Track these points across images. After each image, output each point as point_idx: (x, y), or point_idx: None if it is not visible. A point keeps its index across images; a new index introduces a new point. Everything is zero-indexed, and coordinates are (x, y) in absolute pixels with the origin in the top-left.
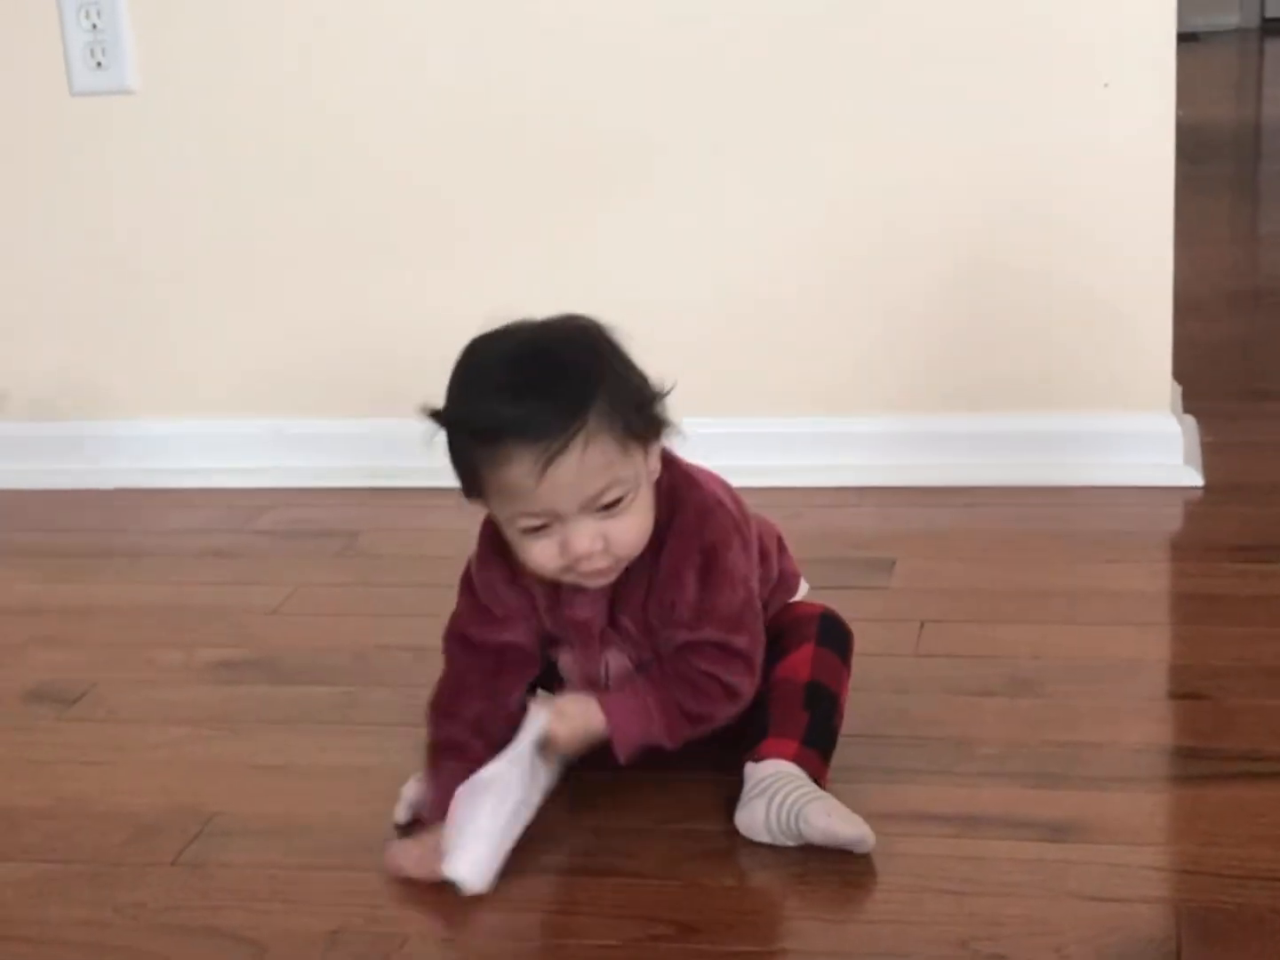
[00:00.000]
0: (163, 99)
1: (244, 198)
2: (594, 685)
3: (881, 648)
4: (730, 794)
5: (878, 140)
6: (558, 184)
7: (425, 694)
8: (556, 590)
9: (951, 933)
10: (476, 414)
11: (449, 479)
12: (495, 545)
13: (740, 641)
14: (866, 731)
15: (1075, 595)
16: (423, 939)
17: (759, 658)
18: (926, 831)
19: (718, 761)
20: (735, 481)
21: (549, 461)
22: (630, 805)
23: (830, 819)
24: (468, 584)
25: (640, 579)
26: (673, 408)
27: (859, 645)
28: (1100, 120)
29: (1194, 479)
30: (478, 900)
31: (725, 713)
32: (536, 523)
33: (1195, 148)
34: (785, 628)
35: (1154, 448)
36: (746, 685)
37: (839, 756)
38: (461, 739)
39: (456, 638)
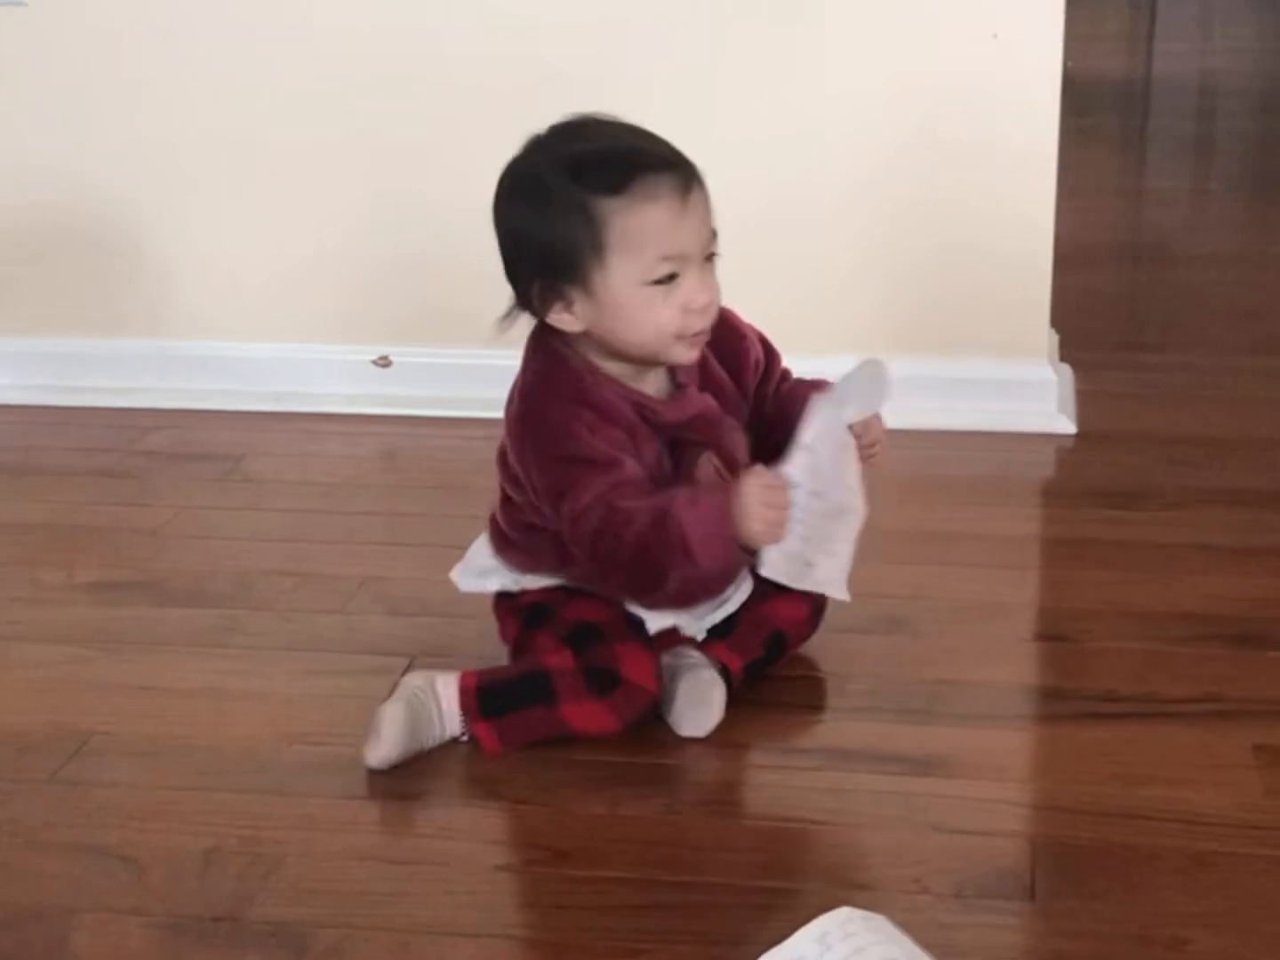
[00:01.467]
0: (56, 9)
1: (146, 107)
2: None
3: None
4: None
5: (756, 90)
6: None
7: (307, 619)
8: (650, 402)
9: (815, 863)
10: (609, 154)
11: (338, 404)
12: (570, 391)
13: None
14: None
15: (950, 538)
16: (299, 859)
17: None
18: (795, 764)
19: None
20: None
21: (688, 187)
22: None
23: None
24: (571, 464)
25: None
26: None
27: None
28: (987, 71)
29: (1067, 426)
30: (352, 822)
31: None
32: (667, 270)
33: (1084, 101)
34: None
35: (1030, 395)
36: None
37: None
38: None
39: (599, 521)
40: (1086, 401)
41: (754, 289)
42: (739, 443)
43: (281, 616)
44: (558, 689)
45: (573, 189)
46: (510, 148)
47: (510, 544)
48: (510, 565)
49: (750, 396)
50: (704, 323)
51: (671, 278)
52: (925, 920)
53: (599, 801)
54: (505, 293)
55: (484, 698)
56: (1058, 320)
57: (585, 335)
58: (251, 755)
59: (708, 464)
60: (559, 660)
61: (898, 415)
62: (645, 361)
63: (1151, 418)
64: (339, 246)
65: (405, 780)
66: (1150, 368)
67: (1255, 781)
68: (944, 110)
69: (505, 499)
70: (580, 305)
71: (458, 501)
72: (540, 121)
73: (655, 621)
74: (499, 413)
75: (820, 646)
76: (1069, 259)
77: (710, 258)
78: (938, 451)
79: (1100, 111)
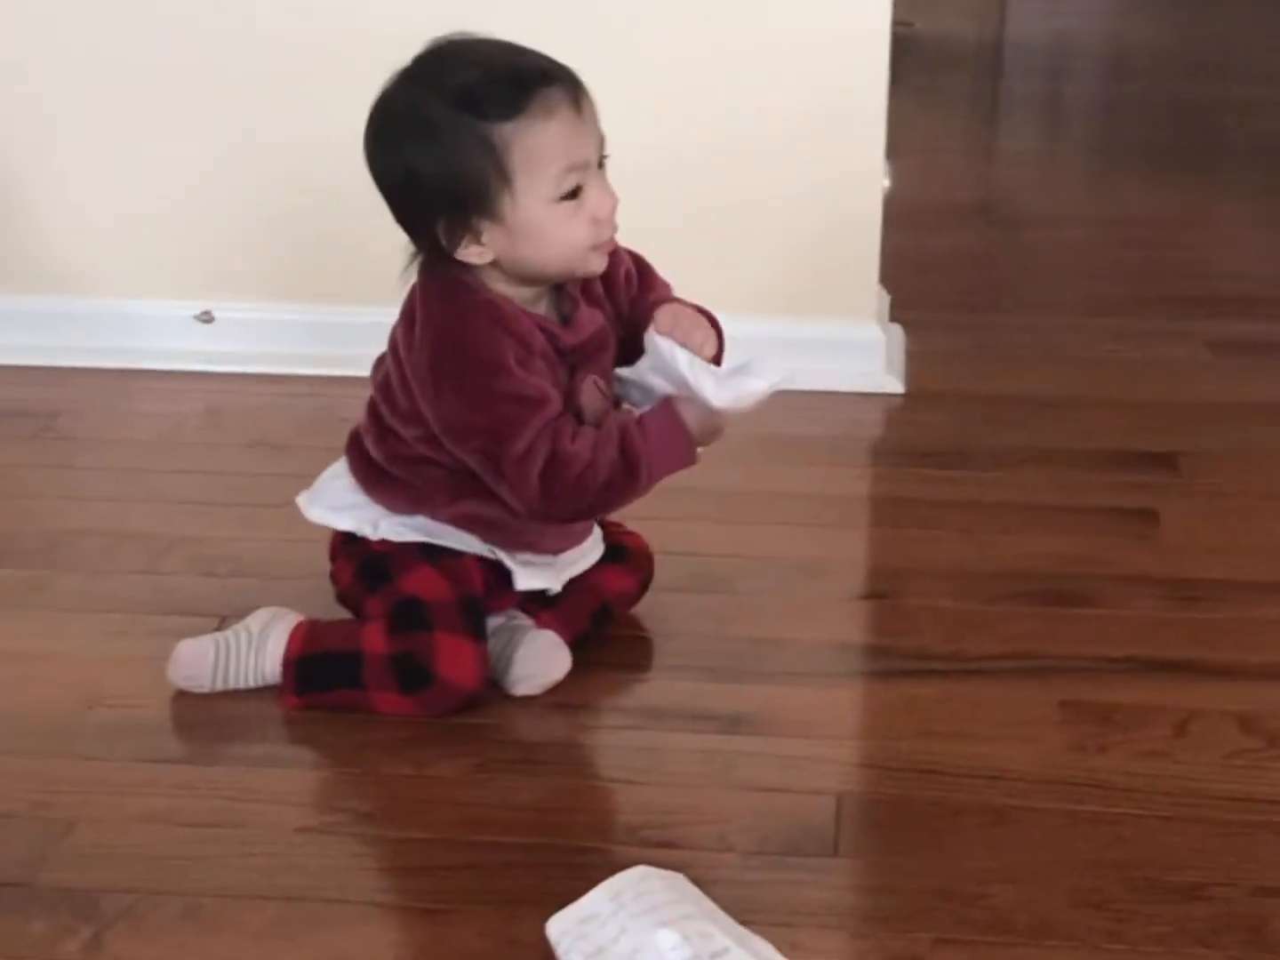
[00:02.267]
0: None
1: None
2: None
3: None
4: None
5: (587, 56)
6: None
7: (115, 579)
8: (551, 327)
9: (622, 821)
10: (494, 77)
11: (159, 360)
12: (491, 323)
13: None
14: None
15: (774, 497)
16: (93, 823)
17: None
18: (607, 723)
19: None
20: None
21: (578, 95)
22: None
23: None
24: (508, 403)
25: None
26: None
27: None
28: (815, 28)
29: (895, 386)
30: (149, 785)
31: None
32: (574, 182)
33: (936, 62)
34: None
35: (858, 355)
36: None
37: None
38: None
39: (546, 463)
40: (917, 361)
41: None
42: (611, 351)
43: (89, 577)
44: (366, 680)
45: (466, 118)
46: (357, 92)
47: (388, 480)
48: (382, 504)
49: (624, 307)
50: (612, 230)
51: (577, 191)
52: (728, 877)
53: (406, 762)
54: (332, 247)
55: (300, 672)
56: (894, 280)
57: (491, 266)
58: (49, 718)
59: (592, 387)
60: (374, 643)
61: None
62: (558, 279)
63: (979, 378)
64: (158, 201)
65: (205, 743)
66: (983, 328)
67: (1058, 738)
68: (772, 71)
69: (383, 433)
70: (490, 234)
71: (277, 460)
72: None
73: (525, 580)
74: (322, 369)
75: (640, 604)
76: (909, 219)
77: (602, 162)
78: (764, 411)
79: (951, 72)
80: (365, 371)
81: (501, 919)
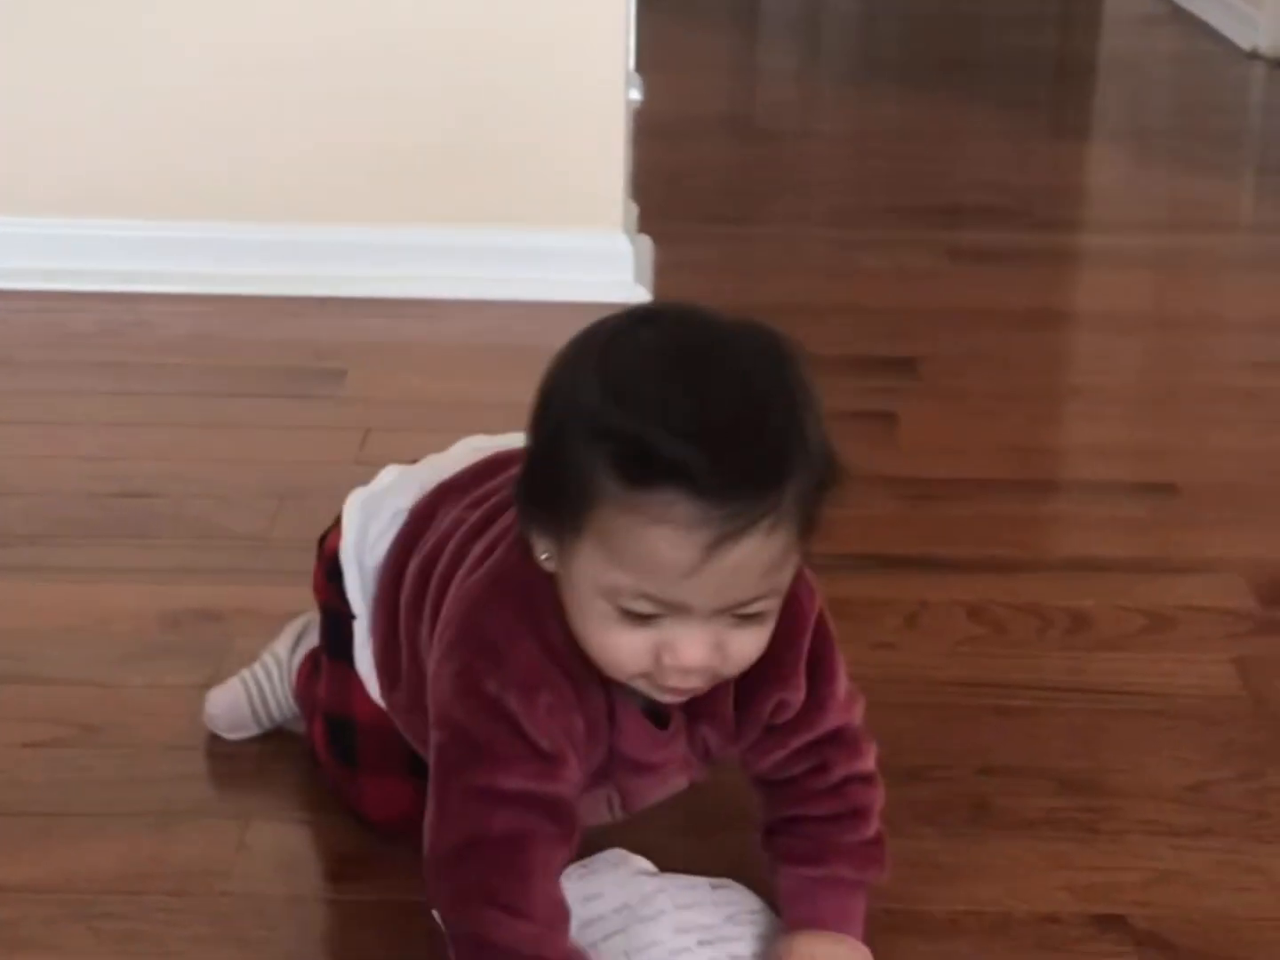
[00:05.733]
0: None
1: None
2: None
3: (323, 455)
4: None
5: None
6: None
7: None
8: (608, 699)
9: None
10: (636, 429)
11: None
12: (536, 648)
13: (858, 713)
14: (297, 536)
15: (523, 407)
16: None
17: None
18: None
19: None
20: (198, 290)
21: (721, 540)
22: (46, 611)
23: None
24: (485, 697)
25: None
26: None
27: (299, 453)
28: None
29: (644, 297)
30: None
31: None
32: (647, 610)
33: None
34: None
35: (608, 266)
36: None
37: (260, 561)
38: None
39: (476, 793)
40: (667, 273)
41: (310, 163)
42: (672, 786)
43: None
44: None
45: (588, 440)
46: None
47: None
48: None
49: (752, 731)
50: (690, 682)
51: (650, 619)
52: None
53: (136, 673)
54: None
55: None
56: (646, 193)
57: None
58: None
59: (602, 801)
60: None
61: (475, 286)
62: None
63: (726, 288)
64: None
65: None
66: (733, 239)
67: None
68: None
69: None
70: (555, 557)
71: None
72: None
73: None
74: (54, 285)
75: None
76: (663, 133)
77: (753, 615)
78: (514, 322)
79: None
80: (93, 286)
81: (233, 828)
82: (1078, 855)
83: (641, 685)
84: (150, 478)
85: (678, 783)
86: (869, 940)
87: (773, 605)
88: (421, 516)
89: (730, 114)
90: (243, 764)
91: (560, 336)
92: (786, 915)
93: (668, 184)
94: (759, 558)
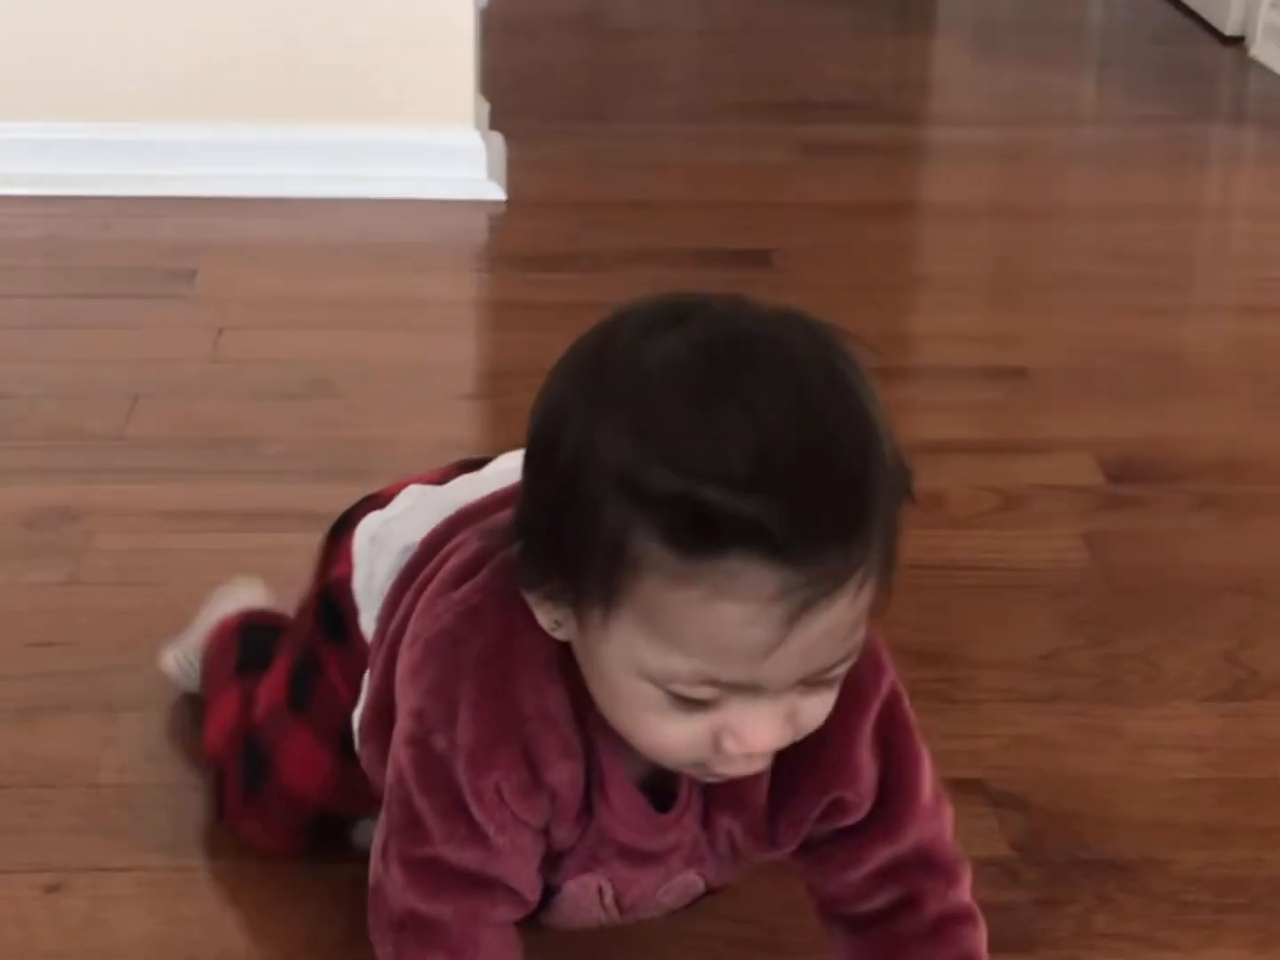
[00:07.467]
0: None
1: None
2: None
3: (177, 354)
4: None
5: None
6: None
7: None
8: (594, 761)
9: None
10: (683, 487)
11: None
12: (510, 718)
13: (948, 825)
14: (153, 434)
15: (379, 303)
16: None
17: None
18: (208, 528)
19: None
20: (44, 191)
21: (805, 609)
22: None
23: None
24: (431, 753)
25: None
26: None
27: (153, 351)
28: None
29: (497, 193)
30: None
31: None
32: (709, 695)
33: None
34: None
35: (459, 162)
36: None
37: (117, 460)
38: None
39: (417, 865)
40: (519, 169)
41: (155, 59)
42: (676, 887)
43: None
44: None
45: (620, 501)
46: None
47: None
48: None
49: (793, 833)
50: (756, 766)
51: (707, 704)
52: None
53: None
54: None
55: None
56: (498, 90)
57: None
58: None
59: (592, 891)
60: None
61: (326, 184)
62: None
63: (580, 184)
64: None
65: None
66: (585, 135)
67: None
68: None
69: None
70: (566, 624)
71: None
72: None
73: None
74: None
75: (238, 413)
76: (514, 30)
77: (822, 683)
78: (367, 220)
79: None
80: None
81: (101, 722)
82: (936, 724)
83: (686, 769)
84: (3, 379)
85: (688, 881)
86: None
87: (851, 664)
88: (431, 546)
89: (579, 11)
90: (109, 657)
91: (415, 231)
92: None
93: (520, 81)
94: (846, 618)
